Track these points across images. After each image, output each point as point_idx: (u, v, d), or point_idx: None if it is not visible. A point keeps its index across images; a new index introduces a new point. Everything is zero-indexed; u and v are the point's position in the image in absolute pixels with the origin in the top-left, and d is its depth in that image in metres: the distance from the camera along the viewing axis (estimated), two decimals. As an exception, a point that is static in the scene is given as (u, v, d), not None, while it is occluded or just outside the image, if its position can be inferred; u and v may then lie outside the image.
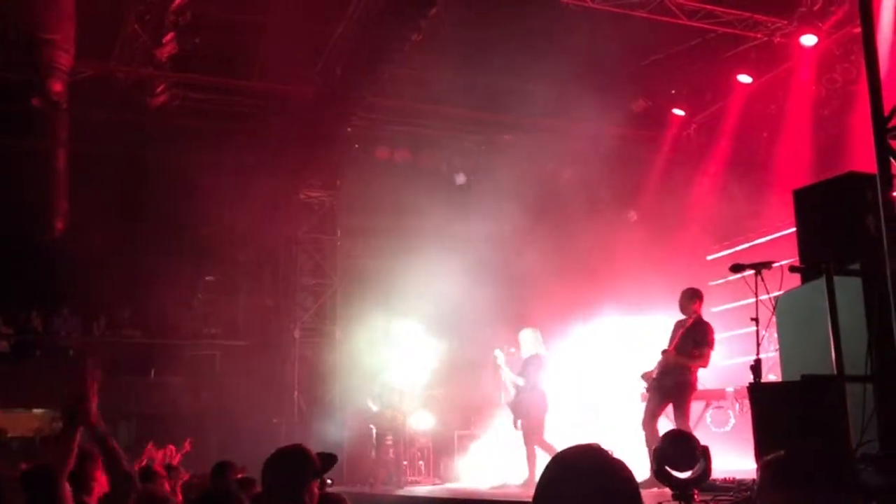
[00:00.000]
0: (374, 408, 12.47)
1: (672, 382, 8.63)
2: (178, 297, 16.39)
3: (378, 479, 11.84)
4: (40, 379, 14.97)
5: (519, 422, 10.20)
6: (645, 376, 8.91)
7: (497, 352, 10.83)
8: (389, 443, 12.33)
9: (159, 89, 13.83)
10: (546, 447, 9.78)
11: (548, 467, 1.93)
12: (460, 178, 16.25)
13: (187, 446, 10.24)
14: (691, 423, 11.12)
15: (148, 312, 16.43)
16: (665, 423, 8.63)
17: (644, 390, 9.08)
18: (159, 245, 15.23)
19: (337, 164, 15.88)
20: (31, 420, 15.93)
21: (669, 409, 8.74)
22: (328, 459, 3.83)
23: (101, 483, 4.27)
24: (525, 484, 9.72)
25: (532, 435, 10.01)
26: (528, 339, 10.53)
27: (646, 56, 14.01)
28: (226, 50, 13.71)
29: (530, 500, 1.91)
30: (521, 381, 10.24)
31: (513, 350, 11.53)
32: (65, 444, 3.52)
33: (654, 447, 8.02)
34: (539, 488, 1.91)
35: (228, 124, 15.31)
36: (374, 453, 12.23)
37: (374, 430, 12.37)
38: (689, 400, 8.70)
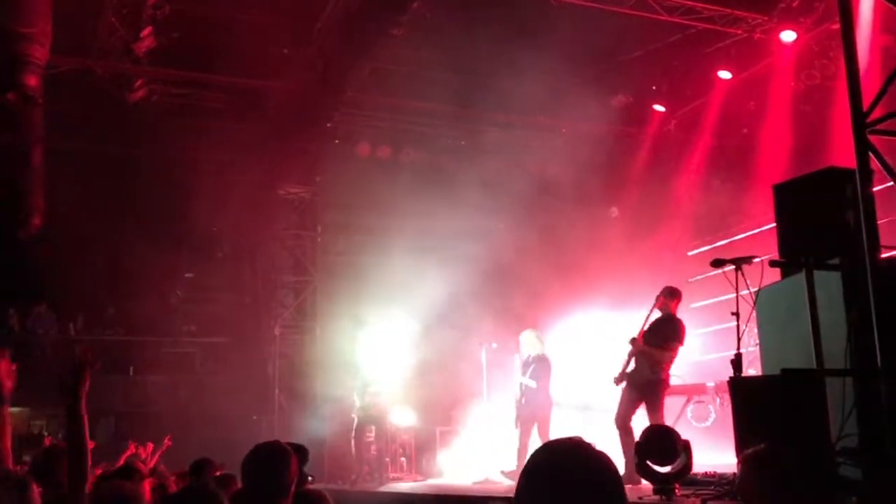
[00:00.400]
0: (358, 402, 12.43)
1: (644, 381, 8.64)
2: (157, 294, 16.27)
3: (360, 475, 11.78)
4: (16, 377, 14.78)
5: (518, 421, 10.24)
6: (616, 379, 8.90)
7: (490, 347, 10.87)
8: (370, 438, 12.27)
9: (137, 84, 13.71)
10: None
11: (531, 459, 1.92)
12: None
13: (167, 443, 10.17)
14: (673, 419, 11.21)
15: (127, 310, 16.28)
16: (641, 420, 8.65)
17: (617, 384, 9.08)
18: (138, 242, 15.09)
19: (317, 160, 15.79)
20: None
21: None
22: (300, 452, 3.81)
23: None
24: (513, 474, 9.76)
25: (531, 434, 10.06)
26: (531, 339, 10.53)
27: (626, 52, 14.02)
28: (205, 45, 13.59)
29: (512, 493, 1.90)
30: (532, 384, 10.26)
31: (494, 346, 11.54)
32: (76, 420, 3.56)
33: (630, 444, 8.08)
34: (522, 480, 1.90)
35: (208, 120, 15.18)
36: (353, 447, 12.14)
37: (356, 422, 12.25)
38: (663, 398, 8.71)
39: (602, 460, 1.89)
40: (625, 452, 8.26)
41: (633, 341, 8.72)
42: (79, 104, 14.04)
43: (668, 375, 8.71)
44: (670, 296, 8.80)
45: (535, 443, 10.20)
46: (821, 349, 4.94)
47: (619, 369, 8.84)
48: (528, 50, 12.40)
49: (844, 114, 5.46)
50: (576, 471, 1.85)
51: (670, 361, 8.71)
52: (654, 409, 8.57)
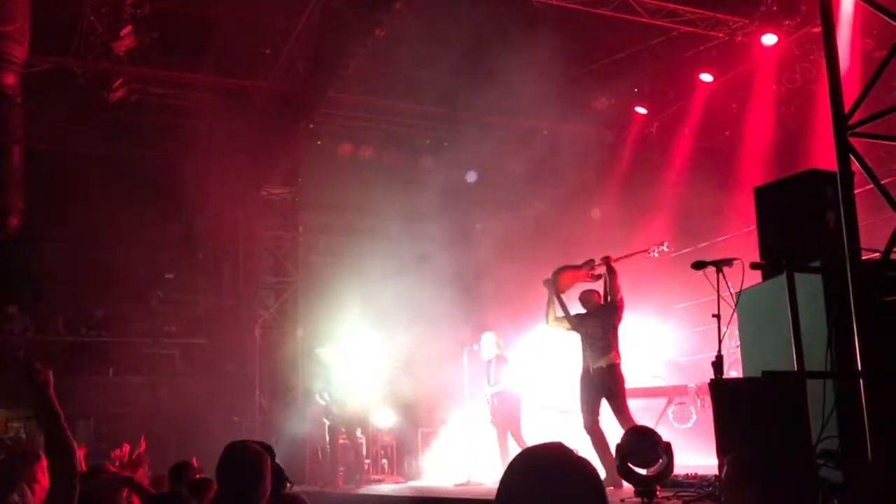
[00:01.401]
0: (322, 402, 12.41)
1: (598, 370, 8.53)
2: (136, 295, 16.16)
3: (338, 477, 11.73)
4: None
5: (494, 421, 10.27)
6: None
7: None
8: (343, 440, 12.24)
9: (117, 84, 13.58)
10: (523, 446, 9.80)
11: (512, 464, 1.89)
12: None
13: (142, 444, 10.03)
14: (654, 420, 11.24)
15: (106, 311, 16.16)
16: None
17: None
18: (117, 243, 14.97)
19: (299, 161, 15.73)
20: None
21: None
22: (269, 451, 3.78)
23: (42, 484, 4.14)
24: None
25: (508, 434, 10.07)
26: (490, 342, 10.62)
27: (608, 54, 14.05)
28: (186, 44, 13.50)
29: (484, 497, 1.87)
30: (497, 388, 10.29)
31: (476, 347, 11.53)
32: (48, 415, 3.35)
33: (605, 447, 8.06)
34: (503, 485, 1.87)
35: (188, 120, 15.09)
36: (327, 449, 12.10)
37: (328, 425, 12.22)
38: (622, 389, 8.55)
39: (583, 467, 1.86)
40: (600, 457, 8.16)
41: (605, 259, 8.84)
42: (59, 105, 13.90)
43: (620, 362, 8.62)
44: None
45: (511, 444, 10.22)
46: (801, 351, 4.94)
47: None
48: (510, 51, 12.40)
49: (825, 116, 5.47)
50: (556, 478, 1.82)
51: (618, 340, 8.66)
52: (618, 405, 8.41)
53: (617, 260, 9.00)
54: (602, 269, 8.97)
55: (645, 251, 9.27)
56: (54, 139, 14.45)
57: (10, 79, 11.56)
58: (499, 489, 1.88)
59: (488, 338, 10.76)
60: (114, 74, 13.48)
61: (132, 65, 13.27)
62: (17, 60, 11.51)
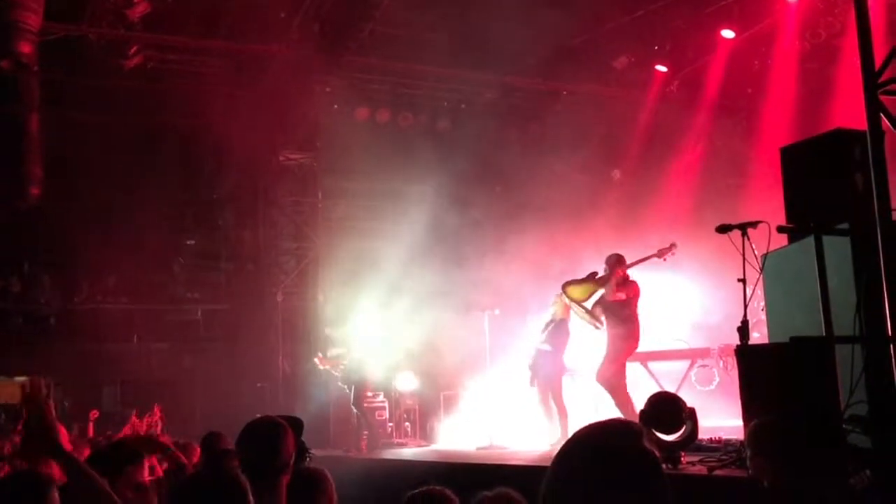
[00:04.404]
0: (336, 373, 12.47)
1: None
2: (159, 262, 16.23)
3: (361, 441, 11.78)
4: (21, 347, 14.85)
5: (536, 381, 10.17)
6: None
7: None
8: (379, 402, 12.35)
9: (132, 51, 13.51)
10: (562, 408, 9.85)
11: (564, 447, 1.87)
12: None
13: (157, 413, 10.10)
14: (676, 382, 11.23)
15: (129, 278, 16.25)
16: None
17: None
18: (138, 210, 15.01)
19: (316, 126, 15.63)
20: (14, 388, 15.80)
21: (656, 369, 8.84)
22: (296, 425, 3.76)
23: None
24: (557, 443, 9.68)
25: (549, 395, 10.06)
26: (560, 304, 10.28)
27: (628, 12, 13.79)
28: (201, 10, 13.38)
29: (507, 461, 1.84)
30: (547, 347, 10.14)
31: (497, 312, 11.49)
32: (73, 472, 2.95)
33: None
34: (558, 460, 1.85)
35: (204, 86, 14.99)
36: (354, 412, 12.09)
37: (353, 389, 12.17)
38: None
39: (640, 445, 1.83)
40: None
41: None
42: (75, 72, 13.88)
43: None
44: (617, 263, 9.28)
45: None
46: (830, 316, 4.86)
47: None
48: (529, 12, 12.20)
49: (849, 73, 5.34)
50: (611, 457, 1.80)
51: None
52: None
53: (629, 267, 9.29)
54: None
55: (656, 256, 9.55)
56: (72, 107, 14.44)
57: (26, 47, 11.50)
58: (554, 463, 1.85)
59: (559, 299, 10.31)
60: (129, 41, 13.41)
61: (147, 31, 13.20)
62: (33, 29, 11.44)
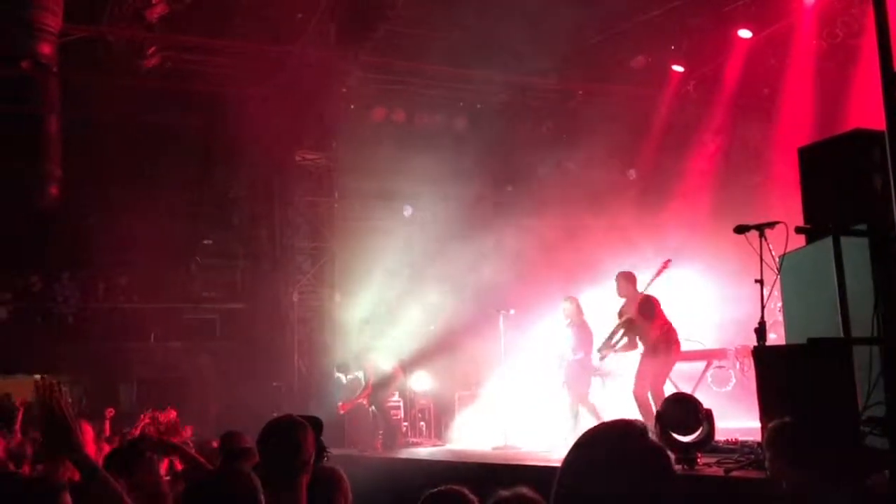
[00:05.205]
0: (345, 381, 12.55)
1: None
2: (176, 261, 16.33)
3: (377, 440, 11.82)
4: (40, 344, 14.99)
5: (568, 384, 10.17)
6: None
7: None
8: (394, 401, 12.39)
9: (151, 52, 13.60)
10: (592, 408, 9.88)
11: (577, 444, 1.89)
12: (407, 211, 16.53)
13: (172, 413, 10.09)
14: (693, 383, 11.18)
15: (146, 277, 16.36)
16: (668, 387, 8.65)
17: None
18: (155, 209, 15.10)
19: (332, 126, 15.68)
20: (32, 385, 15.94)
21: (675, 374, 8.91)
22: (316, 425, 3.78)
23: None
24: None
25: (579, 398, 10.07)
26: (571, 309, 10.27)
27: (645, 11, 13.76)
28: (218, 11, 13.45)
29: (523, 461, 1.86)
30: (580, 355, 10.09)
31: (512, 311, 11.48)
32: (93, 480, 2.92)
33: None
34: (569, 460, 1.87)
35: (221, 86, 15.08)
36: (374, 413, 12.15)
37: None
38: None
39: (649, 444, 1.84)
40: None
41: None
42: (94, 73, 13.98)
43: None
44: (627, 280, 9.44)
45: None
46: (847, 317, 4.84)
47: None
48: (545, 11, 12.19)
49: (867, 73, 5.30)
50: (621, 456, 1.82)
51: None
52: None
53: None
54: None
55: (658, 275, 9.51)
56: (90, 108, 14.55)
57: (46, 48, 11.60)
58: (564, 464, 1.87)
59: (570, 304, 10.33)
60: (147, 42, 13.50)
61: (165, 32, 13.28)
62: (52, 30, 11.53)
